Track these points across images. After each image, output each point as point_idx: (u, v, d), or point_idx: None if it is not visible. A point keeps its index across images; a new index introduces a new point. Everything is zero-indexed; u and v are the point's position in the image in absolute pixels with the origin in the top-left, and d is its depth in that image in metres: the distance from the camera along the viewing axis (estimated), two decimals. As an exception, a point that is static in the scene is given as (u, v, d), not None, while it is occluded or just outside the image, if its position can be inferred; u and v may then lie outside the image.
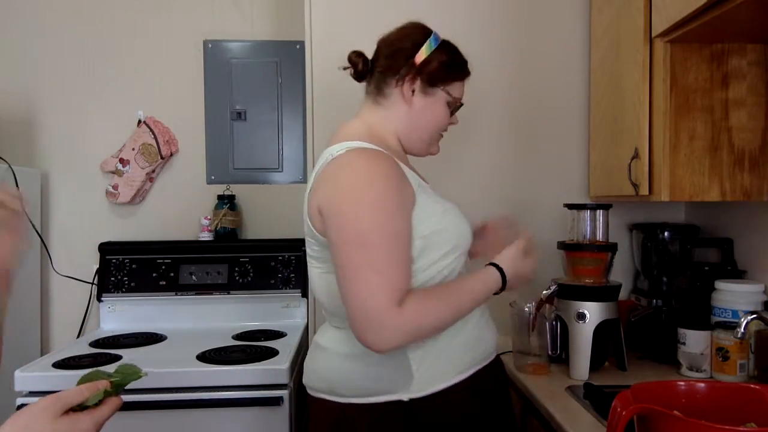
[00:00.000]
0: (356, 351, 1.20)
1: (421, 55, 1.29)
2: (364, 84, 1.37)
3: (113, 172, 2.45)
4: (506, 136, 2.02)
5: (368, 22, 1.97)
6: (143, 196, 2.50)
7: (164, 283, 2.34)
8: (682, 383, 1.09)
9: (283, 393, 1.74)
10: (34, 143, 2.48)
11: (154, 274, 2.34)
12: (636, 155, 1.59)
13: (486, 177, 2.01)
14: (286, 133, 2.55)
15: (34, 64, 2.47)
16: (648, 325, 1.78)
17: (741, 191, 1.51)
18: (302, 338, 2.12)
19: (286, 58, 2.53)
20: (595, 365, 1.60)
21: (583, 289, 1.62)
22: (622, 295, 1.81)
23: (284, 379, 1.75)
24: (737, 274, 1.72)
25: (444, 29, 1.96)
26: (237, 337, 2.13)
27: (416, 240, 1.19)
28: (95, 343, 2.05)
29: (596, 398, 1.39)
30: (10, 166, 2.17)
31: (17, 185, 2.20)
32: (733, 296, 1.58)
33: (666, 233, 1.87)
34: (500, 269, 1.27)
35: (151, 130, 2.46)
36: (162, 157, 2.46)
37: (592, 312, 1.58)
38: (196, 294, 2.33)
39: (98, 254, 2.38)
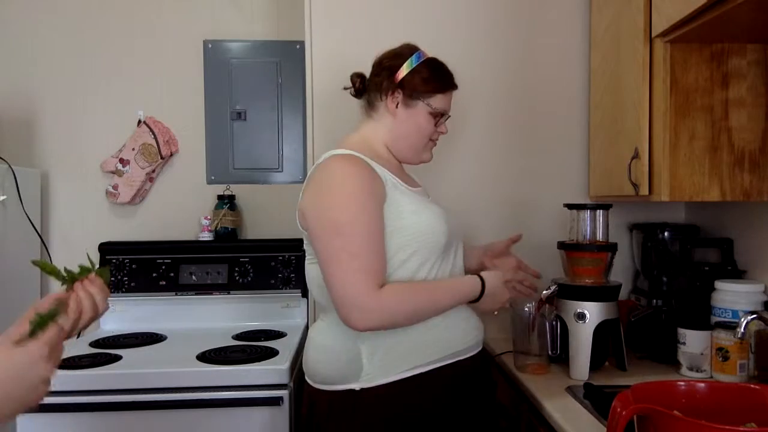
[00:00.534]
0: (327, 342, 1.37)
1: (402, 72, 1.44)
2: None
3: (113, 172, 2.45)
4: (506, 137, 2.02)
5: (368, 22, 1.97)
6: (143, 196, 2.50)
7: (164, 283, 2.33)
8: (682, 383, 1.09)
9: (283, 393, 1.74)
10: (34, 143, 2.48)
11: (154, 274, 2.34)
12: (636, 155, 1.59)
13: (486, 177, 2.01)
14: (286, 133, 2.55)
15: (34, 64, 2.47)
16: (648, 325, 1.78)
17: (741, 191, 1.51)
18: (302, 338, 2.11)
19: (286, 58, 2.53)
20: (595, 365, 1.60)
21: (583, 289, 1.61)
22: (622, 295, 1.81)
23: (284, 379, 1.75)
24: (737, 274, 1.72)
25: (444, 30, 1.98)
26: (237, 337, 2.13)
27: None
28: (95, 343, 2.05)
29: (596, 398, 1.39)
30: (10, 166, 2.17)
31: (17, 185, 2.20)
32: (733, 296, 1.58)
33: (666, 233, 1.87)
34: (483, 284, 1.38)
35: (151, 130, 2.46)
36: (162, 157, 2.46)
37: (592, 312, 1.58)
38: (196, 294, 2.33)
39: (98, 254, 2.38)
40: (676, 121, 1.51)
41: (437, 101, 1.46)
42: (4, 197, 2.14)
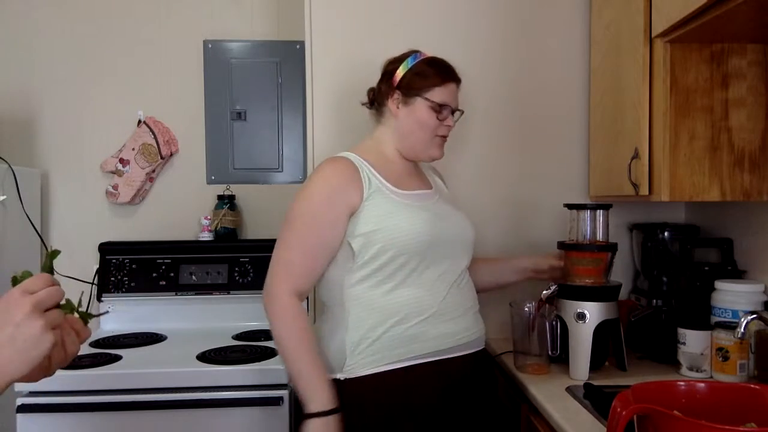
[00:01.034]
0: (321, 332, 1.47)
1: (399, 73, 1.51)
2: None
3: (113, 172, 2.45)
4: (506, 137, 2.02)
5: (368, 22, 1.97)
6: (143, 196, 2.50)
7: (164, 283, 2.33)
8: (682, 383, 1.09)
9: (283, 393, 1.74)
10: (34, 143, 2.48)
11: (154, 274, 2.34)
12: (636, 155, 1.59)
13: (486, 177, 2.01)
14: (286, 133, 2.55)
15: (33, 64, 2.47)
16: (648, 325, 1.78)
17: (741, 191, 1.51)
18: (302, 338, 2.11)
19: (286, 58, 2.53)
20: (595, 365, 1.60)
21: (583, 289, 1.61)
22: (622, 295, 1.81)
23: (284, 379, 1.75)
24: (737, 274, 1.72)
25: (444, 30, 1.98)
26: (237, 337, 2.13)
27: (358, 237, 1.40)
28: (95, 343, 2.05)
29: (596, 398, 1.39)
30: (10, 166, 2.17)
31: (17, 185, 2.20)
32: (733, 296, 1.57)
33: (666, 233, 1.87)
34: (314, 416, 1.33)
35: (151, 130, 2.46)
36: (162, 157, 2.46)
37: (592, 312, 1.58)
38: (196, 294, 2.33)
39: (98, 254, 2.38)
40: (676, 121, 1.51)
41: (435, 95, 1.49)
42: (4, 197, 2.14)
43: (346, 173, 1.44)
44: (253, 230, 2.54)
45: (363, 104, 1.62)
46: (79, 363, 1.79)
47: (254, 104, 2.53)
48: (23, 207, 2.25)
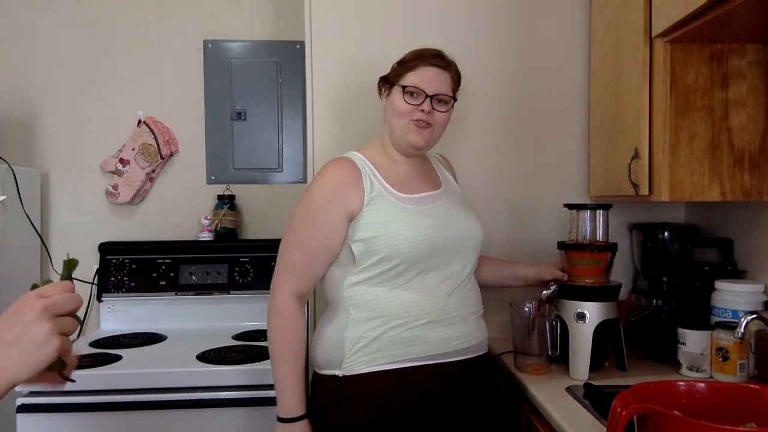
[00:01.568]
0: (323, 328, 1.48)
1: (391, 71, 1.52)
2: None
3: (113, 172, 2.45)
4: (506, 136, 2.02)
5: (368, 22, 1.97)
6: (143, 196, 2.50)
7: (164, 283, 2.33)
8: (682, 383, 1.09)
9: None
10: (34, 143, 2.48)
11: (154, 274, 2.34)
12: (636, 155, 1.59)
13: (486, 177, 2.01)
14: (286, 133, 2.55)
15: (33, 65, 2.47)
16: (648, 325, 1.78)
17: (741, 191, 1.51)
18: (302, 338, 2.12)
19: (286, 58, 2.53)
20: (595, 365, 1.60)
21: (583, 289, 1.61)
22: (622, 295, 1.81)
23: (284, 379, 1.75)
24: (737, 274, 1.72)
25: (444, 30, 1.98)
26: (237, 337, 2.13)
27: (358, 242, 1.41)
28: (95, 343, 2.05)
29: (596, 398, 1.39)
30: (10, 166, 2.17)
31: (17, 185, 2.20)
32: (733, 296, 1.57)
33: (666, 233, 1.87)
34: (279, 421, 1.42)
35: (151, 130, 2.46)
36: (162, 157, 2.46)
37: (592, 312, 1.58)
38: (196, 294, 2.33)
39: (98, 254, 2.38)
40: (676, 121, 1.51)
41: (408, 79, 1.46)
42: (4, 197, 2.14)
43: (348, 176, 1.44)
44: (253, 230, 2.54)
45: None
46: (79, 363, 1.79)
47: (254, 104, 2.53)
48: (23, 207, 2.25)
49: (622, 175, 1.67)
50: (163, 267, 2.35)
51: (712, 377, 1.54)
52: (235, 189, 2.51)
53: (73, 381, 0.81)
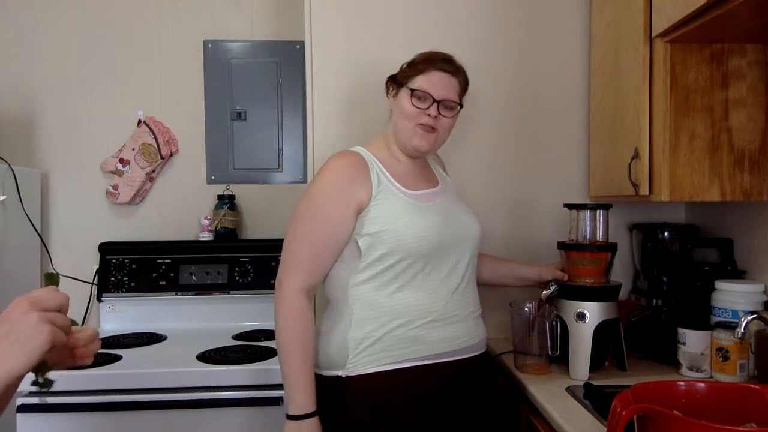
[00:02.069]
0: (324, 329, 1.47)
1: (400, 71, 1.52)
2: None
3: (113, 172, 2.45)
4: (506, 136, 2.02)
5: (368, 22, 1.97)
6: (143, 196, 2.50)
7: (164, 283, 2.34)
8: (682, 383, 1.09)
9: (283, 393, 1.73)
10: (34, 143, 2.48)
11: (154, 274, 2.34)
12: (636, 155, 1.59)
13: (486, 177, 2.01)
14: (286, 133, 2.55)
15: (33, 65, 2.48)
16: (648, 325, 1.78)
17: (741, 191, 1.51)
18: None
19: (286, 58, 2.53)
20: (595, 365, 1.59)
21: (583, 289, 1.61)
22: (622, 295, 1.80)
23: (284, 379, 1.75)
24: (737, 274, 1.72)
25: (444, 31, 1.98)
26: (237, 337, 2.13)
27: (365, 236, 1.41)
28: (95, 343, 2.05)
29: (596, 398, 1.39)
30: (10, 166, 2.17)
31: (17, 185, 2.20)
32: (733, 296, 1.57)
33: (666, 233, 1.87)
34: (290, 418, 1.39)
35: (151, 130, 2.46)
36: (162, 157, 2.46)
37: (592, 312, 1.58)
38: (196, 294, 2.33)
39: (98, 254, 2.38)
40: (676, 121, 1.51)
41: (416, 82, 1.46)
42: (4, 197, 2.14)
43: (355, 169, 1.43)
44: (253, 230, 2.54)
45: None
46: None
47: (254, 104, 2.53)
48: (23, 207, 2.25)
49: (622, 175, 1.66)
50: (163, 267, 2.35)
51: (712, 377, 1.54)
52: (235, 189, 2.51)
53: (52, 382, 0.83)
